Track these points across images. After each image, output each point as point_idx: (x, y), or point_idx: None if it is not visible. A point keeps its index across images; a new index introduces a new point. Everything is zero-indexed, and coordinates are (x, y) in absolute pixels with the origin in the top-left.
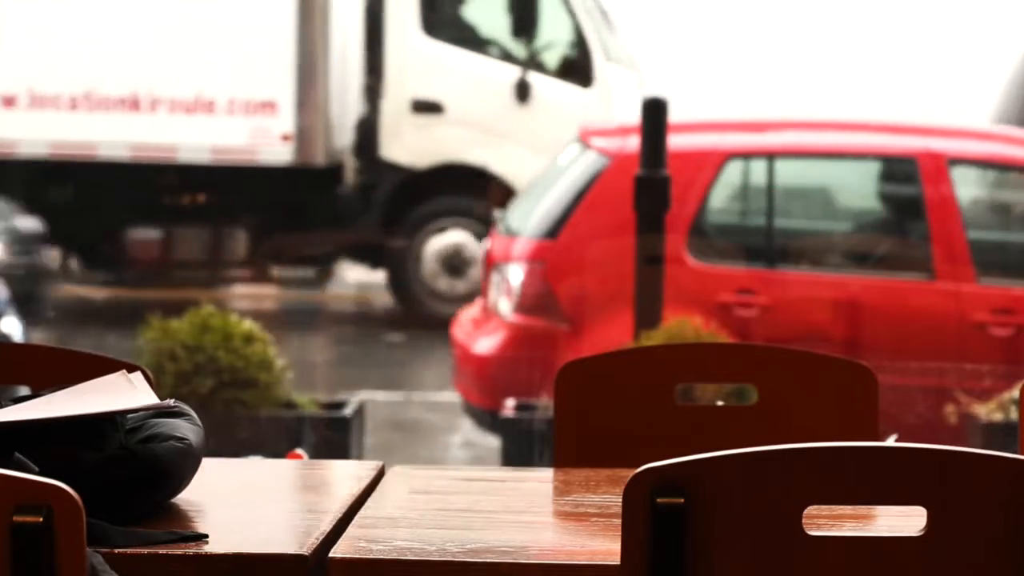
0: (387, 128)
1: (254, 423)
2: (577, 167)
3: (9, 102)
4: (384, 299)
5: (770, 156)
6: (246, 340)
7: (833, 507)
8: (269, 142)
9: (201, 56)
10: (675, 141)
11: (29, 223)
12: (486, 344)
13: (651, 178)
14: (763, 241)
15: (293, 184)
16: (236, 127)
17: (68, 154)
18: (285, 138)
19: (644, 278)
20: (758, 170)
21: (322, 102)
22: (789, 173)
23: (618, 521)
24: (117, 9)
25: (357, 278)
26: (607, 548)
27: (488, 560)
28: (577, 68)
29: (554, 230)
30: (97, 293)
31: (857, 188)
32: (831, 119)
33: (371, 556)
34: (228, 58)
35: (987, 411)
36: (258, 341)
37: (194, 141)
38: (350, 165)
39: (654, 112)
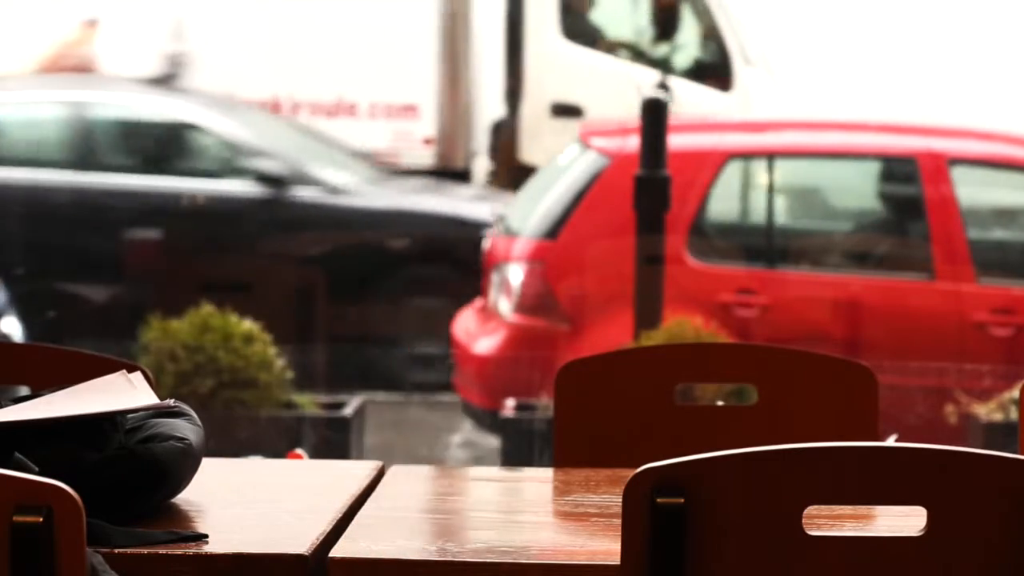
0: (527, 131)
1: (254, 423)
2: (577, 167)
3: None
4: None
5: (770, 156)
6: (246, 340)
7: (833, 507)
8: (411, 146)
9: (342, 60)
10: (675, 141)
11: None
12: (486, 344)
13: (651, 178)
14: (763, 241)
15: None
16: (378, 131)
17: None
18: (427, 142)
19: (644, 278)
20: (758, 170)
21: (464, 106)
22: (789, 173)
23: (618, 521)
24: (258, 11)
25: None
26: (607, 548)
27: (488, 560)
28: (716, 72)
29: (554, 230)
30: None
31: (857, 188)
32: (831, 119)
33: (371, 556)
34: (370, 62)
35: (987, 411)
36: (258, 341)
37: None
38: (489, 168)
39: (654, 112)
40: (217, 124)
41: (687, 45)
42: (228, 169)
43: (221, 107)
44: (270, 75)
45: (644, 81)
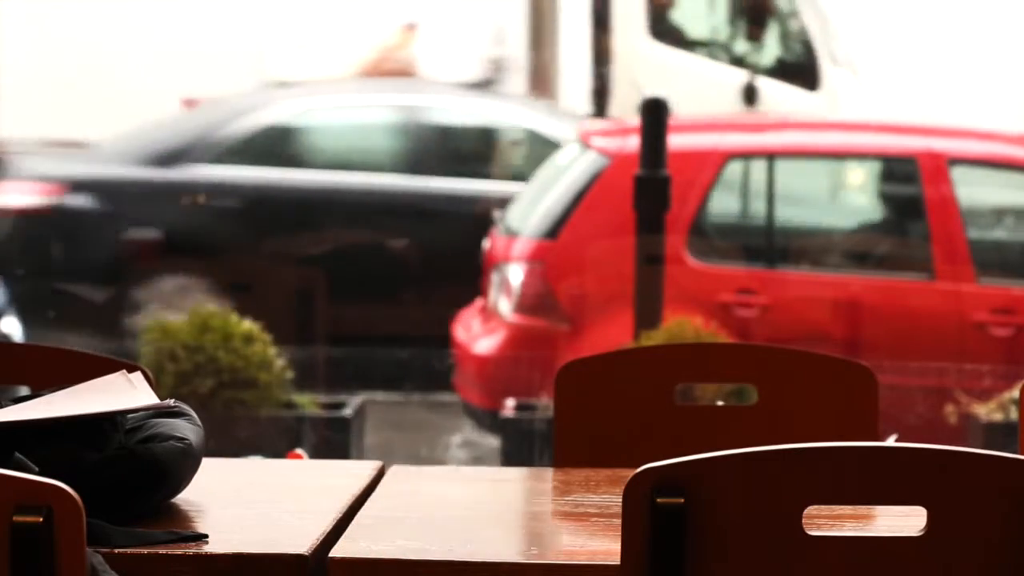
0: None
1: (254, 423)
2: (577, 167)
3: None
4: None
5: (770, 156)
6: (246, 340)
7: (833, 507)
8: None
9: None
10: (675, 141)
11: None
12: (486, 344)
13: (651, 178)
14: (763, 241)
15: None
16: None
17: None
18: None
19: (644, 278)
20: (758, 170)
21: (551, 105)
22: (789, 173)
23: (618, 521)
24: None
25: None
26: (607, 548)
27: (488, 560)
28: (803, 71)
29: (554, 230)
30: None
31: (857, 188)
32: (831, 119)
33: (371, 556)
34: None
35: (987, 411)
36: (258, 341)
37: None
38: None
39: (654, 112)
40: (551, 129)
41: (773, 44)
42: None
43: (548, 111)
44: None
45: (730, 80)
